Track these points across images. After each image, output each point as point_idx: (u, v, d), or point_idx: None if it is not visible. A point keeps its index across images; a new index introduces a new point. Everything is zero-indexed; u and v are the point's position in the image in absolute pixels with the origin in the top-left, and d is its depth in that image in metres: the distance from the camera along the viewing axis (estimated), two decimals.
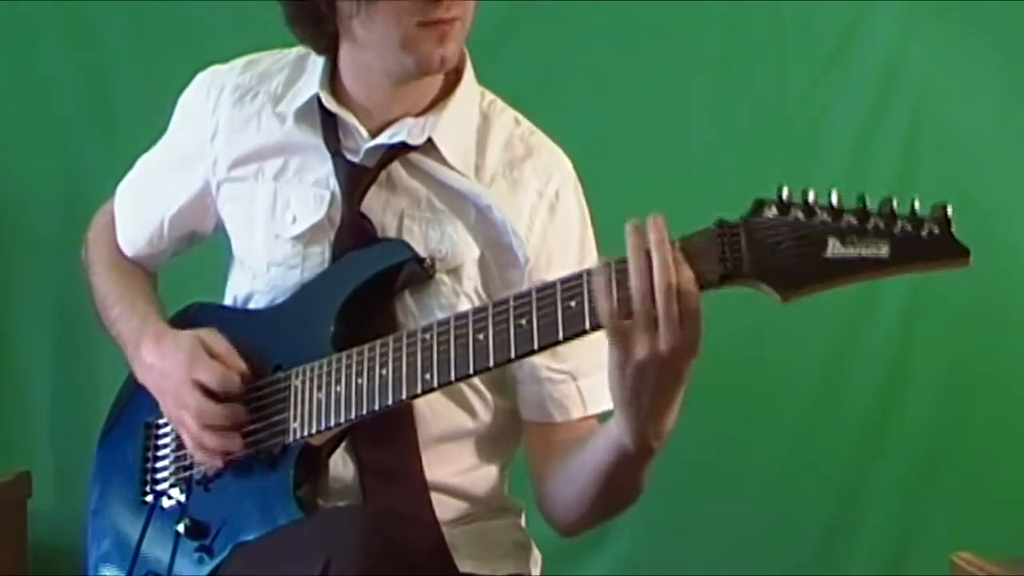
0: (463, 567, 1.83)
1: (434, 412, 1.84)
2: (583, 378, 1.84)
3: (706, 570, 2.99)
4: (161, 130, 2.04)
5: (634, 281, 1.51)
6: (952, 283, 2.92)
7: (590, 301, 1.56)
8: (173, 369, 1.84)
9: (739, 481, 3.01)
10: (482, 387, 1.87)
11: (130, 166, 2.10)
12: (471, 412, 1.88)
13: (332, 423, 1.76)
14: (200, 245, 2.08)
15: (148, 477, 1.94)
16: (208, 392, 1.81)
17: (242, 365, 1.83)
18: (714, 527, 3.02)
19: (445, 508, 1.85)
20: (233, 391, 1.82)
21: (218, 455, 1.82)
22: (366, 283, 1.81)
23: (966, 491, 2.98)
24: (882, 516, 3.03)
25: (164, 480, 1.92)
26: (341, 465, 1.83)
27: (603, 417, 1.78)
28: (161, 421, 1.93)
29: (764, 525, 3.01)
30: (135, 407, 1.98)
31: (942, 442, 3.01)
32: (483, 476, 1.90)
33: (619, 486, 1.70)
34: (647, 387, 1.54)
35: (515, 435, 1.93)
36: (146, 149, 2.07)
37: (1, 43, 3.17)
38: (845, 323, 3.00)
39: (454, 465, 1.88)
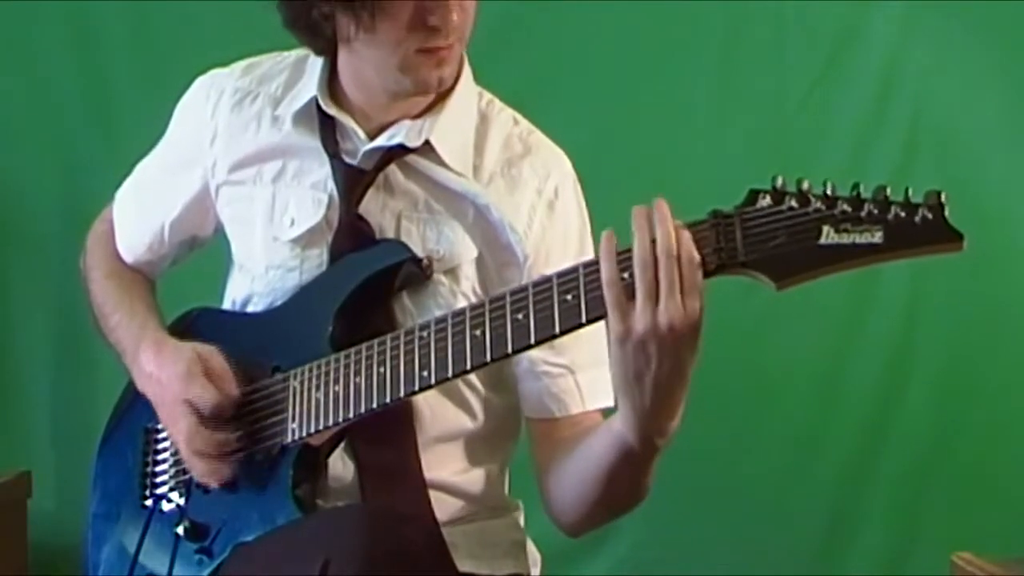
0: (462, 566, 1.83)
1: (433, 412, 1.84)
2: (581, 372, 1.84)
3: (706, 570, 2.99)
4: (161, 131, 2.04)
5: (637, 252, 1.51)
6: (952, 282, 2.94)
7: (587, 294, 1.56)
8: (169, 382, 1.84)
9: (739, 481, 3.01)
10: (480, 386, 1.88)
11: (130, 167, 2.09)
12: (470, 412, 1.88)
13: (331, 423, 1.76)
14: (198, 251, 2.08)
15: (148, 481, 1.94)
16: (199, 413, 1.81)
17: (235, 389, 1.82)
18: (714, 527, 3.02)
19: (444, 507, 1.85)
20: (224, 414, 1.81)
21: (206, 476, 1.83)
22: (364, 284, 1.81)
23: (966, 491, 2.98)
24: (882, 516, 3.03)
25: (163, 484, 1.92)
26: (340, 465, 1.83)
27: (607, 414, 1.77)
28: (160, 426, 1.93)
29: (764, 525, 3.01)
30: (135, 413, 1.98)
31: (942, 441, 3.01)
32: (482, 475, 1.91)
33: (622, 486, 1.70)
34: (648, 371, 1.53)
35: (514, 434, 1.94)
36: (146, 150, 2.07)
37: (1, 43, 3.17)
38: (845, 323, 3.00)
39: (453, 464, 1.88)
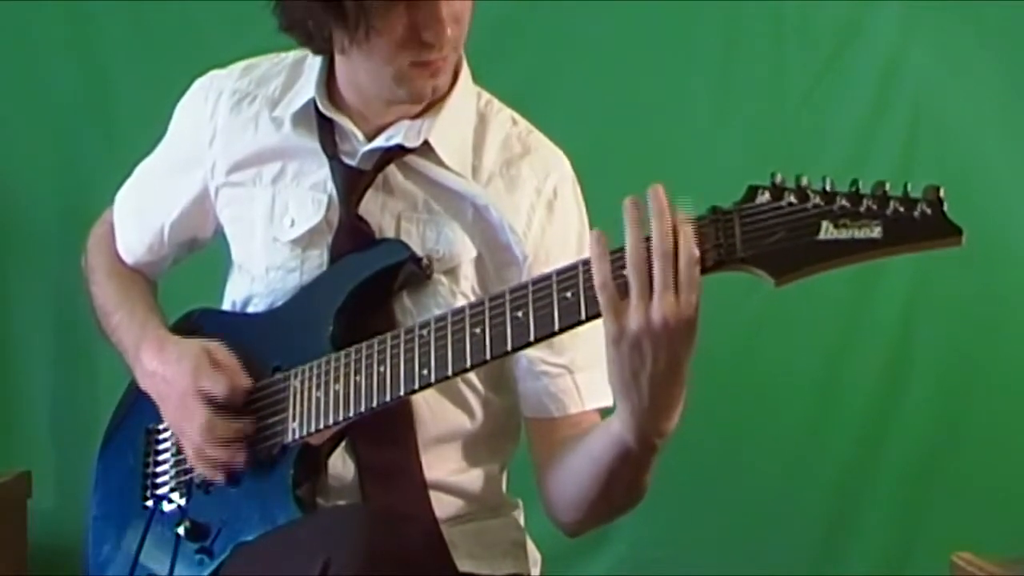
0: (462, 566, 1.84)
1: (433, 412, 1.84)
2: (580, 372, 1.84)
3: (706, 570, 2.99)
4: (161, 132, 2.04)
5: (629, 252, 1.50)
6: (951, 281, 2.94)
7: (586, 292, 1.55)
8: (177, 378, 1.85)
9: (739, 481, 3.01)
10: (480, 386, 1.88)
11: (130, 168, 2.09)
12: (469, 412, 1.88)
13: (331, 421, 1.76)
14: (198, 252, 2.08)
15: (148, 482, 1.94)
16: (213, 403, 1.81)
17: (246, 379, 1.83)
18: (714, 527, 3.02)
19: (444, 507, 1.86)
20: (237, 402, 1.82)
21: (220, 467, 1.82)
22: (364, 283, 1.81)
23: (966, 491, 2.97)
24: (882, 516, 3.03)
25: (164, 484, 1.92)
26: (340, 465, 1.83)
27: (605, 414, 1.77)
28: (162, 427, 1.94)
29: (764, 525, 3.01)
30: (136, 414, 1.98)
31: (942, 442, 3.01)
32: (482, 475, 1.91)
33: (620, 486, 1.69)
34: (644, 369, 1.52)
35: (513, 434, 1.94)
36: (146, 151, 2.07)
37: (1, 43, 3.17)
38: (844, 322, 3.00)
39: (453, 464, 1.88)
